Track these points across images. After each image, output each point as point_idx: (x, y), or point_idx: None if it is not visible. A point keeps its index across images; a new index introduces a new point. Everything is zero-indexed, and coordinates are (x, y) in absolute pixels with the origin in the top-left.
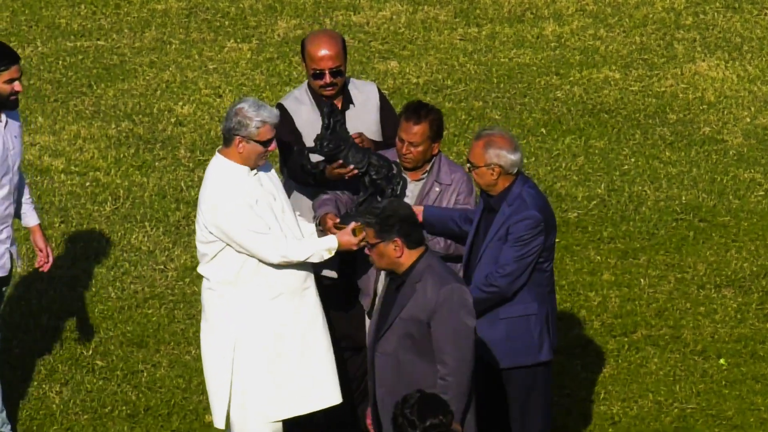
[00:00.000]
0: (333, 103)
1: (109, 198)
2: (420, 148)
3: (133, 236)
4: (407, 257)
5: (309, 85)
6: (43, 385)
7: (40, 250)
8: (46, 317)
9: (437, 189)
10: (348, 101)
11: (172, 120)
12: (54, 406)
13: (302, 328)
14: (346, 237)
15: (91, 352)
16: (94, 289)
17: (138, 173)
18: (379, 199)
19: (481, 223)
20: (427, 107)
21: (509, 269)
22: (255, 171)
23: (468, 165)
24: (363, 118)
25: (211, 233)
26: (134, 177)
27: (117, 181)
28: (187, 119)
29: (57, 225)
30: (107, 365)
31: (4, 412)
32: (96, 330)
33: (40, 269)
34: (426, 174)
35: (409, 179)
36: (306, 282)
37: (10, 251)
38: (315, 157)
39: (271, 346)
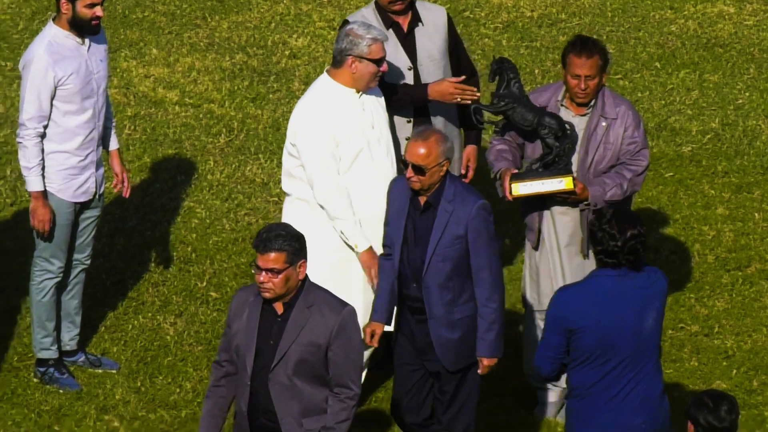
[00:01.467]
0: (505, 58)
1: (224, 130)
2: (596, 80)
3: (248, 168)
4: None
5: (377, 2)
6: (158, 317)
7: (116, 175)
8: (160, 248)
9: (603, 124)
10: (416, 20)
11: (286, 52)
12: (168, 337)
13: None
14: (370, 259)
15: (205, 283)
16: (208, 221)
17: (252, 105)
18: (550, 158)
19: (408, 224)
20: (591, 40)
21: (496, 269)
22: (360, 94)
23: (415, 169)
24: (432, 38)
25: (293, 145)
26: (248, 109)
27: (231, 113)
28: (301, 51)
29: (171, 156)
30: (221, 297)
31: (51, 337)
32: (210, 261)
33: (116, 191)
34: (591, 109)
35: (573, 113)
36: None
37: (95, 176)
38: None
39: (336, 273)
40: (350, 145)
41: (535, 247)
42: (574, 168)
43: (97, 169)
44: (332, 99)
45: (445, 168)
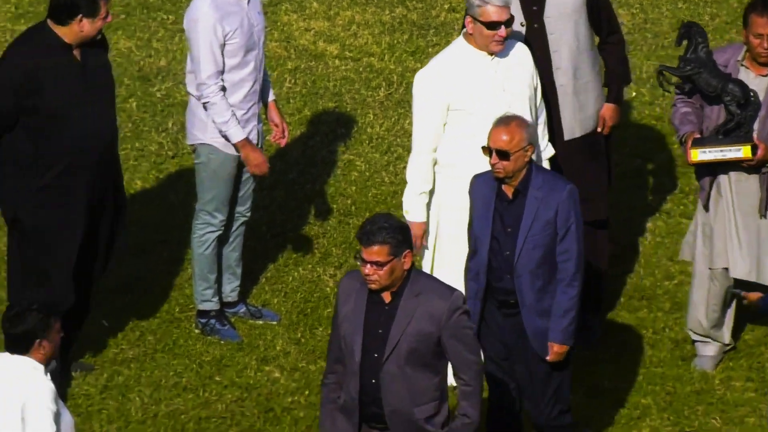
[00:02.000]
0: (693, 23)
1: (383, 83)
2: None
3: (407, 122)
4: (407, 269)
5: None
6: (318, 269)
7: (276, 126)
8: (319, 201)
9: None
10: None
11: (446, 6)
12: (327, 289)
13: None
14: (418, 230)
15: None
16: (367, 174)
17: (411, 59)
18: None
19: (496, 216)
20: None
21: (581, 257)
22: (493, 56)
23: (499, 155)
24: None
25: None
26: (407, 63)
27: (391, 67)
28: (460, 5)
29: (331, 110)
30: None
31: (212, 289)
32: (369, 214)
33: (275, 142)
34: None
35: (753, 74)
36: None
37: (257, 129)
38: None
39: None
40: (473, 109)
41: (705, 206)
42: (755, 128)
43: (258, 122)
44: (455, 61)
45: (529, 153)
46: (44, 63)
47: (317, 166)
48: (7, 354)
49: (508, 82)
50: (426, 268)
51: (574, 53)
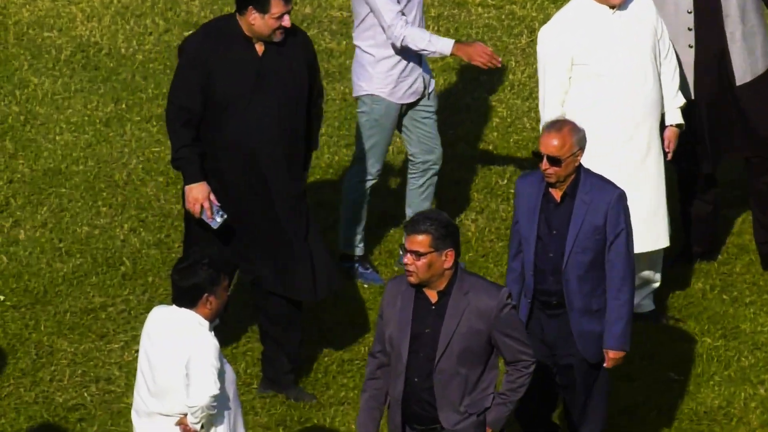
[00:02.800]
0: None
1: (525, 31)
2: None
3: None
4: (451, 267)
5: None
6: (460, 215)
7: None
8: (462, 146)
9: None
10: None
11: None
12: (469, 233)
13: None
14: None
15: (506, 181)
16: (509, 120)
17: (553, 6)
18: None
19: (542, 218)
20: None
21: (631, 261)
22: (614, 10)
23: (550, 161)
24: None
25: None
26: (549, 10)
27: (532, 14)
28: None
29: None
30: None
31: (360, 235)
32: (511, 159)
33: None
34: None
35: None
36: None
37: (422, 76)
38: None
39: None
40: (596, 63)
41: None
42: None
43: (424, 70)
44: (577, 15)
45: (578, 158)
46: (218, 52)
47: (461, 113)
48: (174, 307)
49: (628, 36)
50: None
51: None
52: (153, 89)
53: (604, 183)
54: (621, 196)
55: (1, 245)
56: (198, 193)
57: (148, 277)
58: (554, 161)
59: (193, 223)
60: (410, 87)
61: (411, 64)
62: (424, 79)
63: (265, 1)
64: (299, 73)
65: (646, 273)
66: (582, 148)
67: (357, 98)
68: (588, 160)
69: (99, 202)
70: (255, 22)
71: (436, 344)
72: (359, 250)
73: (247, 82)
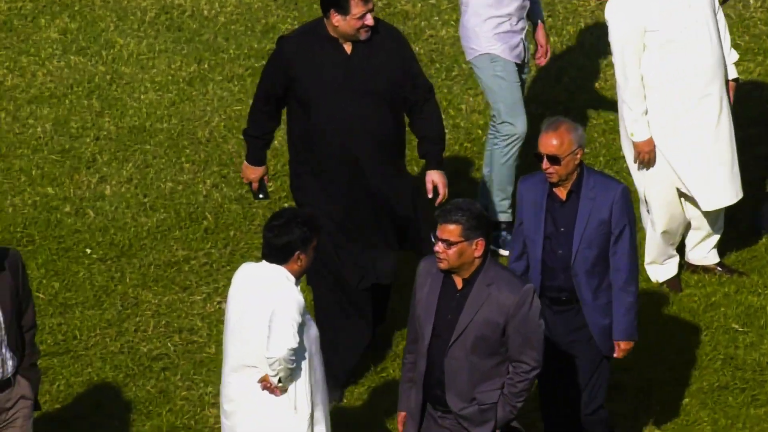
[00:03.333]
0: None
1: None
2: None
3: None
4: (480, 257)
5: None
6: None
7: (541, 46)
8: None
9: None
10: None
11: None
12: None
13: None
14: (648, 147)
15: None
16: (580, 83)
17: None
18: None
19: (548, 217)
20: None
21: (635, 254)
22: None
23: (550, 160)
24: None
25: None
26: None
27: None
28: None
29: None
30: None
31: (509, 200)
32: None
33: (537, 62)
34: None
35: None
36: None
37: (522, 42)
38: None
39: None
40: (665, 28)
41: None
42: None
43: (525, 37)
44: None
45: (578, 156)
46: (308, 52)
47: (556, 73)
48: (264, 263)
49: (695, 1)
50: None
51: None
52: (234, 50)
53: (607, 179)
54: (624, 191)
55: (88, 200)
56: (250, 173)
57: (230, 231)
58: (554, 160)
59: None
60: (515, 47)
61: (514, 27)
62: (524, 44)
63: (345, 3)
64: (390, 70)
65: (710, 226)
66: (581, 146)
67: (472, 63)
68: (666, 125)
69: (182, 159)
70: (338, 24)
71: (453, 330)
72: (507, 216)
73: (335, 81)
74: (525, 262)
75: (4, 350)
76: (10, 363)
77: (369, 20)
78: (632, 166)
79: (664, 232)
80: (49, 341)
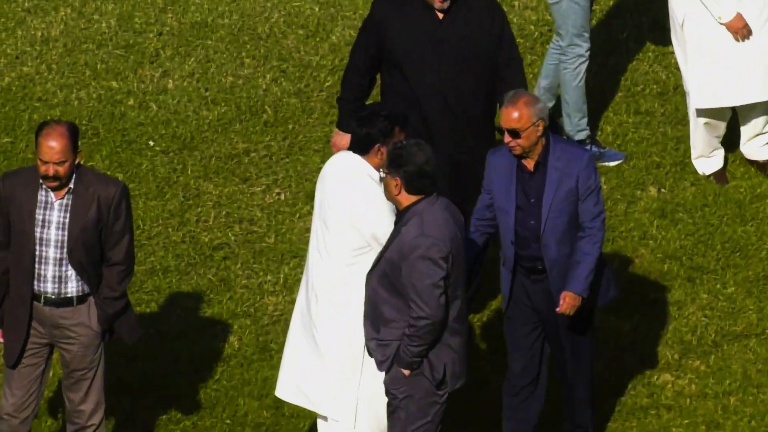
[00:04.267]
0: None
1: None
2: None
3: None
4: (404, 199)
5: None
6: None
7: None
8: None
9: None
10: None
11: None
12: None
13: None
14: (738, 22)
15: None
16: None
17: None
18: None
19: (518, 188)
20: None
21: (603, 220)
22: None
23: (511, 134)
24: None
25: None
26: None
27: None
28: None
29: None
30: None
31: (587, 118)
32: None
33: None
34: None
35: None
36: None
37: None
38: None
39: None
40: None
41: None
42: None
43: None
44: None
45: (540, 128)
46: (399, 16)
47: None
48: (349, 152)
49: None
50: None
51: None
52: None
53: (573, 147)
54: (590, 158)
55: (152, 94)
56: (339, 140)
57: (288, 124)
58: (514, 134)
59: None
60: None
61: None
62: None
63: None
64: (480, 40)
65: (761, 121)
66: (542, 118)
67: None
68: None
69: (243, 54)
70: None
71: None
72: (585, 133)
73: (424, 46)
74: (492, 215)
75: (65, 268)
76: (72, 284)
77: None
78: (680, 58)
79: (707, 124)
80: None
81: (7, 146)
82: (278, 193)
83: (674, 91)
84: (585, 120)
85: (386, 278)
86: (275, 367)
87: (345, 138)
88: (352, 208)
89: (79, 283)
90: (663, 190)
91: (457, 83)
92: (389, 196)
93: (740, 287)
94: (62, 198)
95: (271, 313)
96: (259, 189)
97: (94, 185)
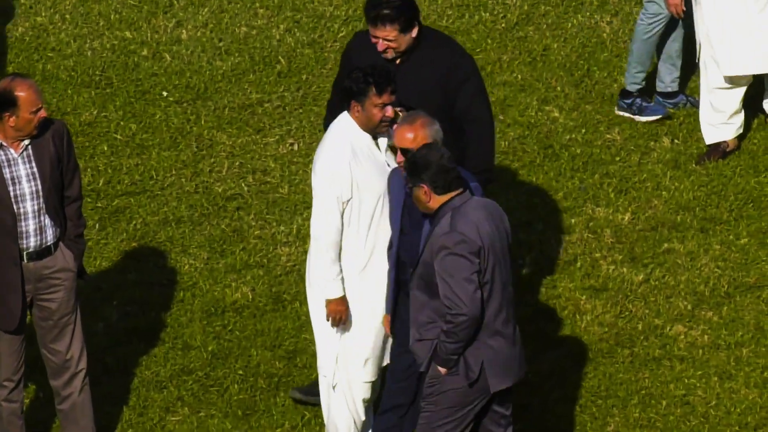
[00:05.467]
0: None
1: None
2: None
3: None
4: (436, 202)
5: None
6: (595, 15)
7: None
8: None
9: None
10: None
11: None
12: (604, 35)
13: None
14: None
15: None
16: None
17: None
18: None
19: (405, 212)
20: None
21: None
22: None
23: (404, 153)
24: None
25: None
26: None
27: None
28: None
29: None
30: None
31: (644, 73)
32: None
33: None
34: None
35: None
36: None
37: None
38: None
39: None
40: None
41: None
42: None
43: None
44: None
45: None
46: (364, 50)
47: None
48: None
49: None
50: None
51: None
52: None
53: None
54: (476, 188)
55: (165, 44)
56: None
57: (302, 75)
58: (407, 153)
59: None
60: None
61: None
62: None
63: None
64: (432, 94)
65: None
66: (436, 141)
67: None
68: None
69: (256, 4)
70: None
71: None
72: (638, 86)
73: None
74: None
75: (42, 218)
76: (49, 231)
77: (380, 45)
78: (702, 32)
79: (719, 93)
80: (126, 181)
81: None
82: (291, 144)
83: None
84: (642, 75)
85: (422, 280)
86: (288, 318)
87: None
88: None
89: (54, 229)
90: (676, 141)
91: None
92: (423, 207)
93: (753, 238)
94: (21, 151)
95: (284, 264)
96: (272, 140)
97: (43, 127)
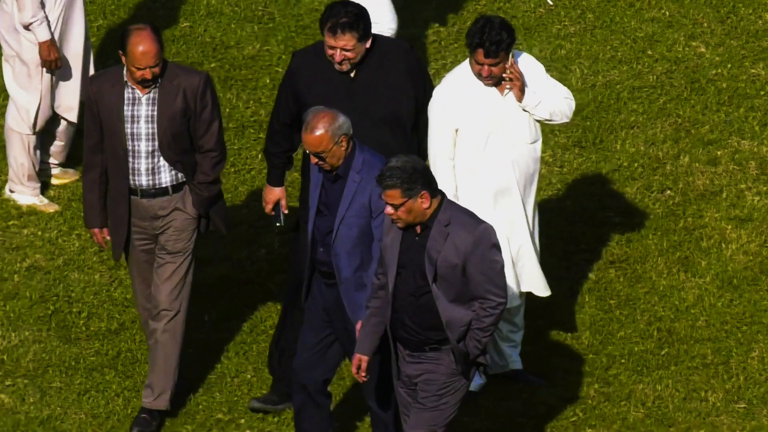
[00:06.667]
0: None
1: None
2: None
3: None
4: (432, 205)
5: None
6: None
7: None
8: None
9: None
10: None
11: None
12: None
13: None
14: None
15: None
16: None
17: None
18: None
19: (322, 193)
20: None
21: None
22: None
23: (316, 156)
24: None
25: None
26: None
27: None
28: None
29: None
30: None
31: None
32: None
33: None
34: None
35: None
36: None
37: None
38: None
39: None
40: None
41: None
42: None
43: None
44: None
45: (344, 143)
46: (315, 72)
47: None
48: None
49: None
50: None
51: None
52: None
53: (374, 159)
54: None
55: None
56: (269, 196)
57: None
58: (319, 157)
59: None
60: None
61: None
62: None
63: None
64: (396, 91)
65: None
66: (344, 134)
67: None
68: None
69: None
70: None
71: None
72: None
73: (339, 102)
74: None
75: (156, 159)
76: (165, 174)
77: (338, 56)
78: None
79: None
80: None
81: (186, 30)
82: None
83: None
84: None
85: (446, 282)
86: None
87: (273, 192)
88: None
89: (172, 172)
90: None
91: (374, 135)
92: (421, 215)
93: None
94: (148, 93)
95: None
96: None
97: (178, 77)
